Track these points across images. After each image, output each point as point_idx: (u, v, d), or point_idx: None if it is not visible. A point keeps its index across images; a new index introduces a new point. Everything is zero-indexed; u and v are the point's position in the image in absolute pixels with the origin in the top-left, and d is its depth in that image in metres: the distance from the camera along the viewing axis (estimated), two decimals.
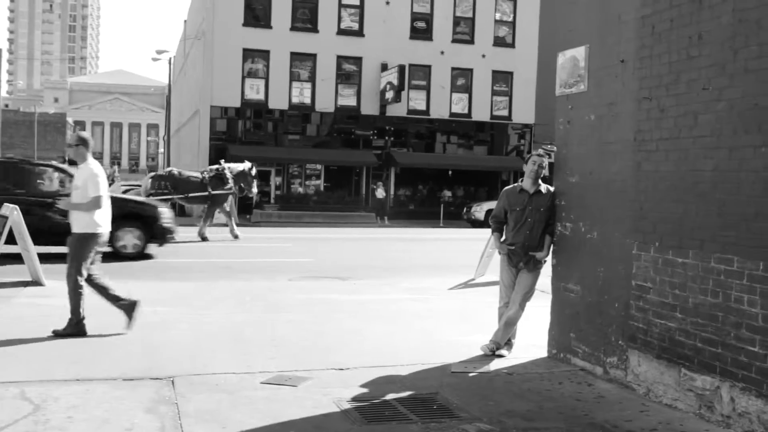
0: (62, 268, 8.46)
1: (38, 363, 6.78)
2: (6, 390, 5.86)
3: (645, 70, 6.33)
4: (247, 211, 35.75)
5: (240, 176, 23.75)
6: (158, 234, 16.65)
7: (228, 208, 23.50)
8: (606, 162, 6.81)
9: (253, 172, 24.24)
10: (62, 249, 8.84)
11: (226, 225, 23.53)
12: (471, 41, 40.76)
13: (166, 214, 16.96)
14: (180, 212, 30.24)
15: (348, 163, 39.18)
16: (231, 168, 23.71)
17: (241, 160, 25.02)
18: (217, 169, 23.54)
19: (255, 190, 24.78)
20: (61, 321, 8.72)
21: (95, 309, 9.55)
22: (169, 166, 56.06)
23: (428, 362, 7.21)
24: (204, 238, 22.06)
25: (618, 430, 5.39)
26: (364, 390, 6.23)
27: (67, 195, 13.28)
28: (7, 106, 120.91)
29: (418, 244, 22.80)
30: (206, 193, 22.90)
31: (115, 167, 22.60)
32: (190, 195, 23.01)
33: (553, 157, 7.84)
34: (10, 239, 11.15)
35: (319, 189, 39.48)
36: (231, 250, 19.91)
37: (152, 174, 22.94)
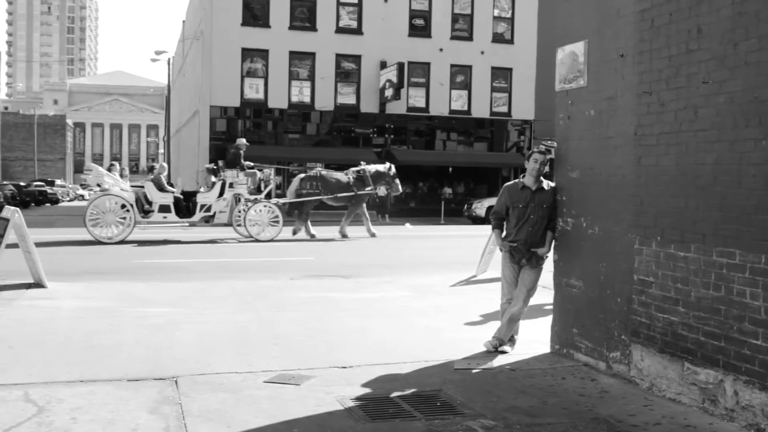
0: (65, 268, 8.46)
1: (42, 365, 6.78)
2: (10, 392, 5.86)
3: (644, 65, 6.33)
4: None
5: (380, 177, 24.38)
6: None
7: (358, 209, 24.30)
8: (606, 157, 6.81)
9: (392, 171, 24.69)
10: None
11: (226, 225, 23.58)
12: (470, 38, 40.77)
13: None
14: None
15: (348, 162, 39.03)
16: (371, 169, 24.35)
17: (382, 162, 25.73)
18: (359, 171, 24.02)
19: (400, 189, 25.29)
20: (64, 323, 8.73)
21: (97, 311, 9.56)
22: (169, 167, 56.10)
23: (431, 359, 7.21)
24: (344, 236, 23.17)
25: (622, 424, 5.39)
26: (368, 388, 6.23)
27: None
28: (6, 108, 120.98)
29: (419, 242, 22.79)
30: (351, 194, 23.60)
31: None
32: (339, 195, 23.62)
33: (554, 152, 7.83)
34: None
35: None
36: (233, 249, 19.91)
37: (302, 175, 23.44)
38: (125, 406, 5.59)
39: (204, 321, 8.98)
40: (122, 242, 20.38)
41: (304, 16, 38.48)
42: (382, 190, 24.55)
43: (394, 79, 37.29)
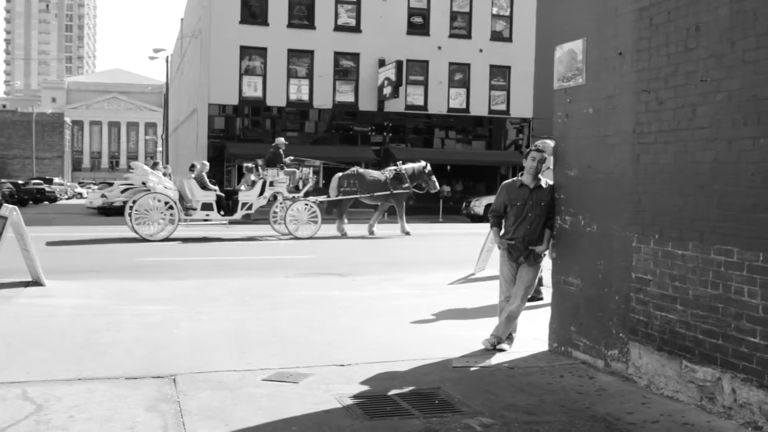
0: (63, 266, 8.45)
1: (39, 363, 6.78)
2: (8, 390, 5.86)
3: (643, 63, 6.33)
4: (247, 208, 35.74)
5: (416, 175, 24.69)
6: None
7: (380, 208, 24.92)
8: (604, 155, 6.81)
9: (428, 169, 24.94)
10: None
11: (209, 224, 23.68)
12: (468, 36, 40.76)
13: None
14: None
15: (346, 160, 39.05)
16: (407, 168, 24.64)
17: (417, 160, 25.78)
18: (395, 170, 24.27)
19: (437, 186, 25.62)
20: (62, 321, 8.73)
21: (95, 309, 9.56)
22: (167, 164, 56.10)
23: (429, 357, 7.21)
24: (372, 233, 23.65)
25: (620, 422, 5.40)
26: (366, 386, 6.23)
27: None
28: (4, 106, 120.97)
29: (417, 240, 22.79)
30: (388, 192, 23.96)
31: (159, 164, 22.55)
32: (375, 194, 23.97)
33: (551, 150, 7.84)
34: None
35: (317, 185, 39.46)
36: (231, 247, 19.92)
37: (340, 174, 23.68)
38: (123, 404, 5.59)
39: (202, 319, 8.98)
40: (167, 239, 20.79)
41: (302, 14, 38.46)
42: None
43: (393, 77, 37.29)
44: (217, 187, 23.43)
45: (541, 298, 10.07)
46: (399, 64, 37.21)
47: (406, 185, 24.24)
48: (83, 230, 20.67)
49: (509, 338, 7.65)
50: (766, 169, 5.12)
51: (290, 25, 38.14)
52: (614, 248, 6.65)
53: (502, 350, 7.48)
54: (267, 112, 38.36)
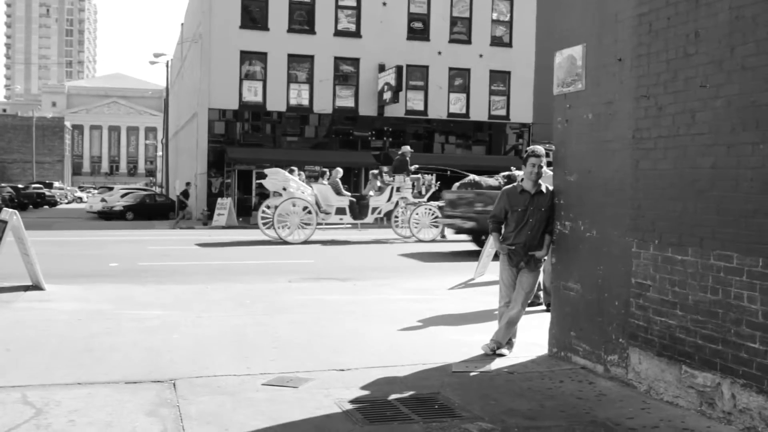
0: (63, 270, 8.46)
1: (39, 367, 6.78)
2: (7, 395, 5.86)
3: (642, 68, 6.34)
4: (247, 213, 35.78)
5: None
6: None
7: None
8: (604, 160, 6.82)
9: None
10: None
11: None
12: (468, 41, 40.80)
13: None
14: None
15: (346, 164, 39.11)
16: (519, 174, 24.63)
17: (520, 167, 26.03)
18: (508, 174, 24.57)
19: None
20: (62, 325, 8.73)
21: (95, 313, 9.56)
22: (167, 169, 56.13)
23: (429, 362, 7.22)
24: (443, 236, 24.12)
25: (620, 428, 5.40)
26: (366, 390, 6.23)
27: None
28: (5, 110, 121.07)
29: (417, 244, 22.79)
30: None
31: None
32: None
33: (552, 155, 7.85)
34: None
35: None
36: (231, 252, 19.92)
37: (458, 183, 24.15)
38: (123, 409, 5.59)
39: (202, 324, 8.98)
40: (306, 242, 21.96)
41: (302, 19, 38.49)
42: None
43: (393, 82, 37.32)
44: (349, 193, 24.75)
45: (540, 303, 10.07)
46: (399, 69, 37.24)
47: None
48: (79, 234, 20.61)
49: (509, 343, 7.65)
50: (766, 175, 5.13)
51: (290, 30, 38.17)
52: (614, 253, 6.66)
53: (501, 355, 7.48)
54: (267, 116, 38.37)
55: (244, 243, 22.48)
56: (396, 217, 24.41)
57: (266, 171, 24.14)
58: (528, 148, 8.26)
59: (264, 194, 38.45)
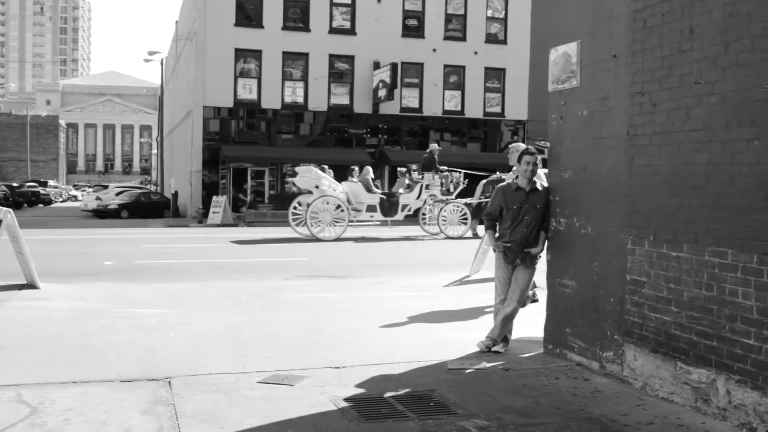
0: (58, 269, 8.44)
1: (35, 366, 6.77)
2: (2, 393, 5.85)
3: (637, 65, 6.34)
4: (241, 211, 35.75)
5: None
6: None
7: None
8: (599, 157, 6.82)
9: None
10: None
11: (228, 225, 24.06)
12: (463, 38, 40.80)
13: None
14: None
15: (342, 162, 39.01)
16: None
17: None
18: (494, 180, 24.91)
19: None
20: (57, 324, 8.71)
21: (90, 312, 9.55)
22: (162, 168, 56.06)
23: (425, 359, 7.22)
24: (476, 234, 24.09)
25: (615, 424, 5.40)
26: (361, 388, 6.23)
27: None
28: None
29: (412, 242, 22.80)
30: None
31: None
32: None
33: (547, 152, 7.85)
34: None
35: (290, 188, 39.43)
36: (227, 250, 19.90)
37: (484, 180, 24.30)
38: (118, 407, 5.58)
39: (198, 322, 8.97)
40: (338, 239, 22.37)
41: (297, 17, 38.45)
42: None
43: (388, 80, 37.31)
44: (379, 191, 25.14)
45: (536, 300, 10.07)
46: (394, 66, 37.23)
47: None
48: (74, 232, 20.57)
49: (504, 340, 7.66)
50: (760, 171, 5.13)
51: (285, 28, 38.14)
52: (609, 250, 6.66)
53: (497, 352, 7.49)
54: (262, 114, 38.33)
55: (399, 239, 23.36)
56: (423, 214, 24.83)
57: (297, 169, 24.64)
58: (511, 146, 8.37)
59: (258, 191, 38.61)
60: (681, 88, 5.86)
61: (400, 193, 24.98)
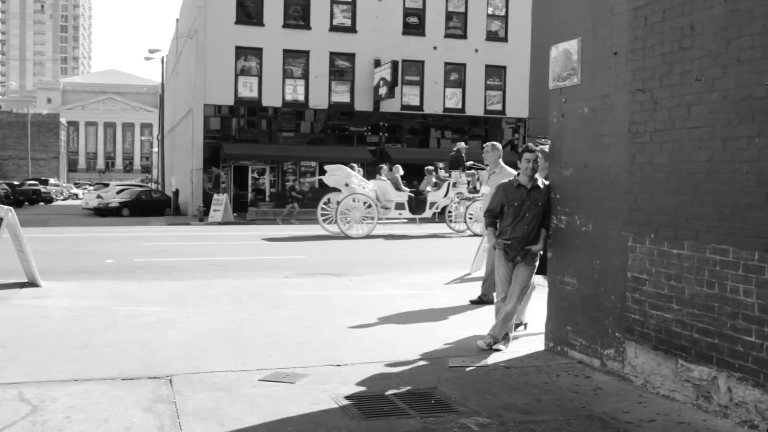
0: (59, 267, 8.44)
1: (36, 364, 6.77)
2: (4, 391, 5.85)
3: (638, 62, 6.34)
4: (242, 209, 35.75)
5: None
6: None
7: None
8: (600, 154, 6.82)
9: None
10: None
11: (221, 223, 24.19)
12: (464, 36, 40.79)
13: None
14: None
15: (342, 160, 38.90)
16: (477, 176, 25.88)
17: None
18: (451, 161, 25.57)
19: None
20: (58, 322, 8.72)
21: (91, 310, 9.55)
22: (163, 166, 56.06)
23: (425, 357, 7.22)
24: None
25: (616, 421, 5.40)
26: (362, 386, 6.23)
27: None
28: None
29: (412, 240, 22.80)
30: None
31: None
32: None
33: (547, 150, 7.85)
34: None
35: (314, 186, 39.41)
36: (226, 248, 19.90)
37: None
38: (119, 405, 5.58)
39: (198, 320, 8.97)
40: (368, 237, 22.67)
41: (297, 15, 38.43)
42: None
43: (388, 78, 37.28)
44: (408, 189, 25.35)
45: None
46: (394, 64, 37.21)
47: None
48: (73, 230, 20.58)
49: (505, 338, 7.66)
50: (761, 169, 5.13)
51: (285, 26, 38.12)
52: (610, 248, 6.66)
53: (498, 350, 7.48)
54: (263, 112, 38.32)
55: (426, 236, 23.47)
56: (450, 212, 25.13)
57: (327, 167, 24.80)
58: (488, 144, 8.53)
59: (260, 189, 38.60)
60: (682, 86, 5.85)
61: (428, 191, 25.23)
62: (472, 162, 25.58)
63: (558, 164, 7.46)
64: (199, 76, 37.58)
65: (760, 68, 5.14)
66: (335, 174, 23.71)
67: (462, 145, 25.54)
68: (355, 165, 25.12)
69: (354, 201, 23.03)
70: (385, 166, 25.56)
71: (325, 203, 23.82)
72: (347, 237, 22.37)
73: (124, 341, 7.75)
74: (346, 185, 23.32)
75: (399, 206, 24.32)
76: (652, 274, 6.14)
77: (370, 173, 39.01)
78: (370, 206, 23.21)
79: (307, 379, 6.38)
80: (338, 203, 22.98)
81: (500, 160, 10.45)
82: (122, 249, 18.87)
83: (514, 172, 8.72)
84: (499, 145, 10.55)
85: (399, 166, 25.60)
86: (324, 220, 23.56)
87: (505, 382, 6.43)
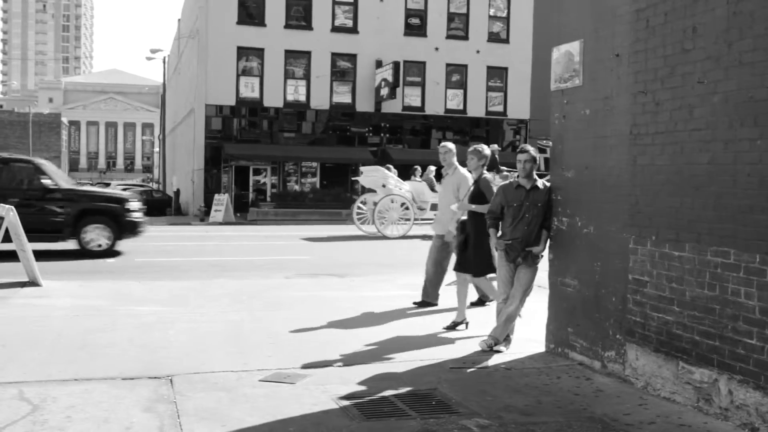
0: (60, 267, 8.44)
1: (36, 363, 6.77)
2: (4, 390, 5.85)
3: (640, 64, 6.33)
4: (243, 210, 35.77)
5: None
6: (127, 228, 17.20)
7: None
8: (601, 156, 6.82)
9: None
10: None
11: (222, 223, 24.21)
12: (465, 37, 40.81)
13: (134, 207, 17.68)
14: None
15: (344, 161, 39.14)
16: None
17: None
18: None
19: None
20: (59, 321, 8.72)
21: (92, 309, 9.55)
22: (165, 165, 56.07)
23: (426, 358, 7.21)
24: None
25: (617, 423, 5.40)
26: (363, 386, 6.23)
27: None
28: (1, 106, 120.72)
29: (414, 241, 22.77)
30: None
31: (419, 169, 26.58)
32: None
33: (548, 151, 7.85)
34: None
35: (315, 186, 39.47)
36: (227, 248, 19.90)
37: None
38: (120, 405, 5.58)
39: (199, 320, 8.97)
40: (404, 237, 22.79)
41: (299, 15, 38.46)
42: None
43: (390, 78, 37.31)
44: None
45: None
46: (396, 65, 37.24)
47: None
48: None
49: (506, 339, 7.65)
50: (763, 171, 5.12)
51: (287, 26, 38.15)
52: (611, 249, 6.66)
53: (499, 351, 7.48)
54: (264, 112, 38.36)
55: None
56: None
57: (363, 168, 25.14)
58: (476, 146, 8.66)
59: (261, 190, 38.62)
60: (684, 88, 5.85)
61: None
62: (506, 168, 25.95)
63: (559, 166, 7.46)
64: (200, 76, 37.62)
65: (762, 71, 5.14)
66: (372, 175, 23.98)
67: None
68: (390, 166, 25.23)
69: (392, 202, 23.26)
70: (419, 168, 25.64)
71: (361, 203, 24.16)
72: (384, 237, 22.64)
73: (125, 341, 7.75)
74: (383, 186, 23.53)
75: (434, 207, 24.45)
76: (654, 276, 6.13)
77: None
78: (407, 207, 23.43)
79: (307, 380, 6.38)
80: (375, 204, 23.20)
81: (455, 160, 10.51)
82: (123, 248, 18.86)
83: (467, 172, 9.26)
84: (452, 146, 10.64)
85: (432, 168, 25.51)
86: (359, 221, 23.84)
87: (505, 383, 6.43)
